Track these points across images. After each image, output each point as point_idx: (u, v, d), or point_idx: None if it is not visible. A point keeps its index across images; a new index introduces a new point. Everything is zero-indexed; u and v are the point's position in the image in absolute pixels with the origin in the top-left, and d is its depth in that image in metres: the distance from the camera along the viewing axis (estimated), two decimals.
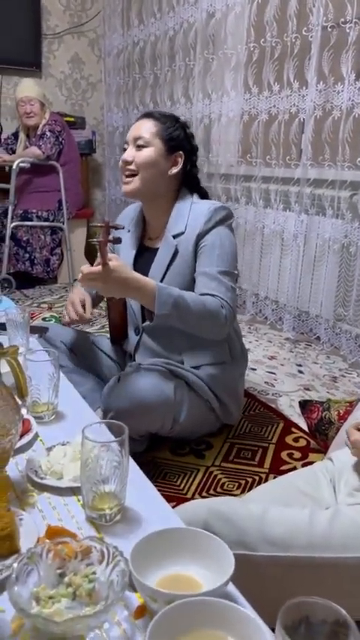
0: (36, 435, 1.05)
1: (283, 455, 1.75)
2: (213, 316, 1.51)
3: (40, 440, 1.05)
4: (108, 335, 1.90)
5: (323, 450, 1.71)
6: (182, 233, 1.63)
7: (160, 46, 3.66)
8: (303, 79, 2.63)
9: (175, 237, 1.64)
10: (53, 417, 1.13)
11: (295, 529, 0.93)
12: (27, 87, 3.69)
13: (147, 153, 1.60)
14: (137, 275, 1.42)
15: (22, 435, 0.99)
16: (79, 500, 0.86)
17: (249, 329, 3.07)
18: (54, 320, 2.83)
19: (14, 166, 3.52)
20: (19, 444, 0.97)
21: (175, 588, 0.64)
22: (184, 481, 1.59)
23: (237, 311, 1.68)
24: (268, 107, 2.84)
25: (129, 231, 1.76)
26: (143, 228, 1.78)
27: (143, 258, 1.72)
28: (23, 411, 1.03)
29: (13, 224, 3.60)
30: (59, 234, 3.82)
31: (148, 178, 1.61)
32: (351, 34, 2.35)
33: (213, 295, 1.53)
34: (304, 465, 1.64)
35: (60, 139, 3.70)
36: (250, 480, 1.61)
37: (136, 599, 0.67)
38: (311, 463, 1.35)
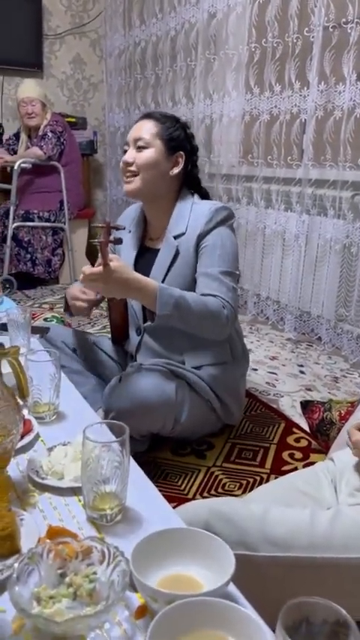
0: (37, 436, 1.05)
1: (285, 455, 1.75)
2: (214, 317, 1.51)
3: (41, 440, 1.05)
4: (109, 335, 1.90)
5: (324, 450, 1.70)
6: (183, 234, 1.63)
7: (161, 46, 3.66)
8: (304, 80, 2.63)
9: (176, 237, 1.64)
10: (54, 417, 1.14)
11: (296, 529, 0.93)
12: (28, 87, 3.69)
13: (148, 154, 1.60)
14: (138, 275, 1.42)
15: (23, 436, 1.00)
16: (80, 501, 0.86)
17: (250, 329, 3.07)
18: (55, 320, 2.83)
19: (16, 167, 3.52)
20: (20, 445, 0.97)
21: (175, 588, 0.65)
22: (185, 481, 1.59)
23: (238, 311, 1.68)
24: (269, 107, 2.84)
25: (130, 231, 1.76)
26: (144, 229, 1.78)
27: (144, 258, 1.72)
28: (24, 411, 1.03)
29: (15, 224, 3.61)
30: (60, 235, 3.82)
31: (149, 179, 1.61)
32: (352, 34, 2.35)
33: (214, 296, 1.53)
34: (305, 466, 1.64)
35: (61, 140, 3.70)
36: (251, 480, 1.61)
37: (136, 600, 0.67)
38: (312, 463, 1.35)
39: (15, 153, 3.82)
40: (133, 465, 0.91)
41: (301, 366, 2.57)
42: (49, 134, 3.64)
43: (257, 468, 1.67)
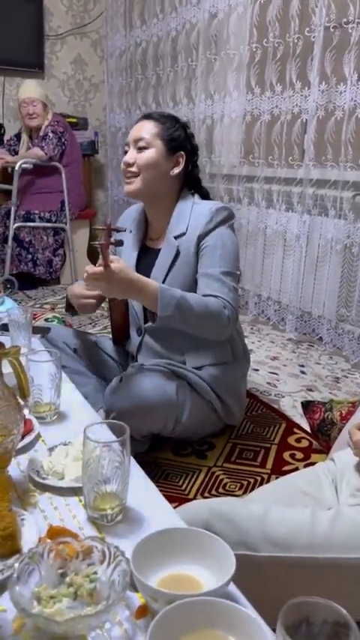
0: (38, 436, 1.05)
1: (286, 455, 1.75)
2: (215, 317, 1.51)
3: (42, 440, 1.05)
4: (110, 336, 1.90)
5: (325, 450, 1.70)
6: (184, 234, 1.63)
7: (162, 46, 3.66)
8: (305, 80, 2.63)
9: (176, 237, 1.64)
10: (55, 417, 1.14)
11: (296, 529, 0.93)
12: (29, 88, 3.70)
13: (148, 154, 1.60)
14: (139, 276, 1.42)
15: (24, 436, 1.00)
16: (80, 501, 0.86)
17: (251, 329, 3.07)
18: (56, 321, 2.83)
19: (17, 167, 3.53)
20: (21, 444, 0.97)
21: (176, 588, 0.65)
22: (186, 482, 1.59)
23: (239, 312, 1.68)
24: (270, 108, 2.84)
25: (130, 232, 1.76)
26: (145, 229, 1.78)
27: (145, 258, 1.72)
28: (25, 411, 1.03)
29: (16, 225, 3.61)
30: (62, 235, 3.83)
31: (149, 179, 1.61)
32: (353, 34, 2.35)
33: (215, 296, 1.53)
34: (306, 466, 1.64)
35: (62, 140, 3.70)
36: (252, 480, 1.61)
37: (137, 599, 0.67)
38: (313, 464, 1.35)
39: (16, 153, 3.82)
40: (134, 465, 0.91)
41: (302, 366, 2.57)
42: (50, 134, 3.65)
43: (258, 469, 1.67)
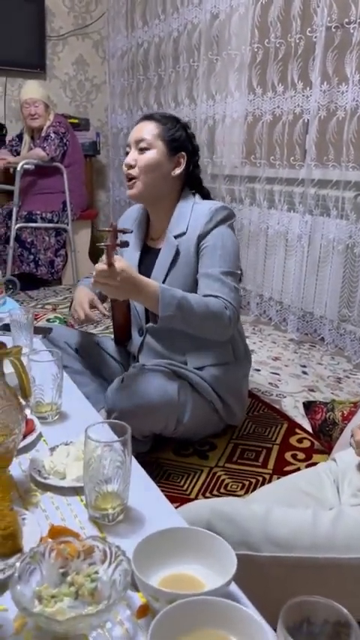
0: (39, 435, 1.05)
1: (287, 456, 1.75)
2: (217, 317, 1.51)
3: (44, 440, 1.05)
4: (112, 336, 1.90)
5: (327, 450, 1.70)
6: (184, 233, 1.63)
7: (164, 47, 3.67)
8: (307, 80, 2.63)
9: (176, 237, 1.64)
10: (57, 417, 1.14)
11: (298, 530, 0.93)
12: (31, 89, 3.70)
13: (150, 155, 1.60)
14: (141, 277, 1.42)
15: (25, 435, 1.00)
16: (82, 500, 0.86)
17: (253, 330, 3.07)
18: (58, 321, 2.84)
19: (18, 168, 3.53)
20: (22, 444, 0.97)
21: (177, 588, 0.64)
22: (188, 482, 1.59)
23: (241, 312, 1.68)
24: (272, 108, 2.84)
25: (131, 232, 1.76)
26: (146, 229, 1.78)
27: (146, 258, 1.72)
28: (27, 411, 1.03)
29: (18, 225, 3.61)
30: (63, 236, 3.83)
31: (151, 181, 1.61)
32: (355, 34, 2.35)
33: (216, 296, 1.53)
34: (308, 466, 1.63)
35: (64, 141, 3.71)
36: (253, 480, 1.61)
37: (138, 599, 0.67)
38: (315, 464, 1.35)
39: (18, 154, 3.83)
40: (136, 465, 0.91)
41: (304, 366, 2.57)
42: (52, 135, 3.65)
43: (260, 469, 1.67)
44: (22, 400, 0.90)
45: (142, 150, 1.61)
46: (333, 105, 2.51)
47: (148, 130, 1.62)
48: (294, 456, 1.74)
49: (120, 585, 0.64)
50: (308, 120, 2.65)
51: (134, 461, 0.88)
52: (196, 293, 1.56)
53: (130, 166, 1.61)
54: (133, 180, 1.62)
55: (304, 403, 1.88)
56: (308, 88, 2.62)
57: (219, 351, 1.69)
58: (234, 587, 0.68)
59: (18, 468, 0.95)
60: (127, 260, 1.54)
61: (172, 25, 3.53)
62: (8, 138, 3.99)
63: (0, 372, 0.85)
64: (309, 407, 1.82)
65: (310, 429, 1.85)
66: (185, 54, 3.43)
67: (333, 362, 2.63)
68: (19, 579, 0.64)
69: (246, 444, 1.80)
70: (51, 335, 1.77)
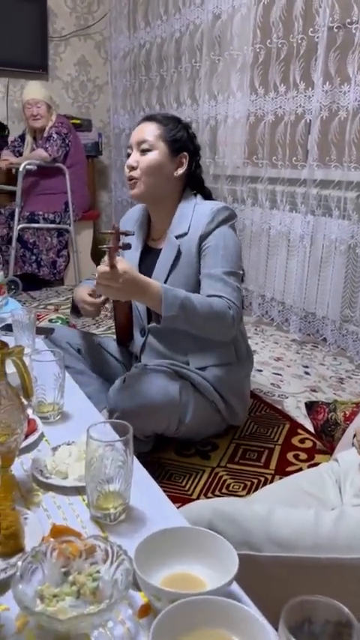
0: (41, 435, 1.06)
1: (289, 456, 1.74)
2: (220, 317, 1.51)
3: (46, 440, 1.05)
4: (114, 336, 1.90)
5: (329, 451, 1.70)
6: (185, 234, 1.64)
7: (166, 47, 3.67)
8: (309, 80, 2.63)
9: (177, 237, 1.64)
10: (59, 417, 1.14)
11: (300, 530, 0.92)
12: (33, 89, 3.71)
13: (152, 156, 1.60)
14: (143, 277, 1.42)
15: (27, 435, 1.00)
16: (83, 500, 0.86)
17: (255, 330, 3.07)
18: (60, 322, 2.84)
19: (21, 169, 3.54)
20: (24, 444, 0.97)
21: (179, 587, 0.65)
22: (190, 482, 1.59)
23: (243, 312, 1.67)
24: (274, 108, 2.84)
25: (133, 234, 1.76)
26: (147, 229, 1.78)
27: (147, 258, 1.72)
28: (29, 411, 1.03)
29: (20, 226, 3.62)
30: (65, 236, 3.83)
31: (153, 182, 1.62)
32: (357, 34, 2.35)
33: (220, 296, 1.53)
34: (310, 467, 1.63)
35: (66, 142, 3.71)
36: (255, 481, 1.61)
37: (140, 598, 0.67)
38: (317, 464, 1.35)
39: (20, 154, 3.83)
40: (137, 465, 0.91)
41: (306, 367, 2.57)
42: (54, 136, 3.65)
43: (262, 469, 1.67)
44: (24, 400, 0.90)
45: (144, 151, 1.61)
46: (335, 105, 2.51)
47: (150, 131, 1.62)
48: (296, 457, 1.74)
49: (122, 585, 0.64)
50: (310, 120, 2.65)
51: (136, 461, 0.88)
52: (197, 293, 1.55)
53: (132, 168, 1.62)
54: (135, 181, 1.62)
55: (306, 403, 1.88)
56: (310, 89, 2.62)
57: (221, 352, 1.69)
58: (235, 587, 0.68)
59: (20, 467, 0.95)
60: (127, 260, 1.54)
61: (174, 26, 3.54)
62: (10, 139, 3.99)
63: (2, 372, 0.85)
64: (311, 407, 1.82)
65: (312, 430, 1.84)
66: (187, 54, 3.43)
67: (335, 362, 2.63)
68: (21, 578, 0.64)
69: (248, 444, 1.80)
70: (53, 335, 1.77)
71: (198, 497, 1.52)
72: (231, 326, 1.54)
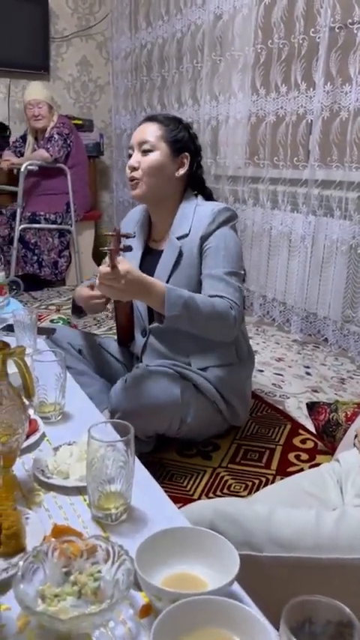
0: (43, 435, 1.06)
1: (291, 456, 1.74)
2: (222, 317, 1.51)
3: (47, 440, 1.05)
4: (115, 337, 1.90)
5: (330, 451, 1.70)
6: (186, 235, 1.64)
7: (167, 48, 3.67)
8: (310, 81, 2.63)
9: (179, 239, 1.65)
10: (60, 417, 1.14)
11: (301, 530, 0.92)
12: (35, 90, 3.71)
13: (153, 157, 1.60)
14: (146, 277, 1.42)
15: (29, 435, 1.00)
16: (85, 500, 0.86)
17: (256, 331, 3.07)
18: (62, 322, 2.84)
19: (22, 169, 3.54)
20: (26, 444, 0.97)
21: (180, 587, 0.65)
22: (191, 482, 1.59)
23: (245, 312, 1.67)
24: (275, 109, 2.84)
25: (134, 236, 1.76)
26: (148, 231, 1.78)
27: (148, 260, 1.72)
28: (30, 411, 1.03)
29: (22, 226, 3.62)
30: (67, 237, 3.84)
31: (155, 182, 1.62)
32: (358, 34, 2.35)
33: (221, 297, 1.53)
34: (311, 467, 1.63)
35: (68, 142, 3.72)
36: (256, 481, 1.61)
37: (141, 598, 0.68)
38: (318, 465, 1.35)
39: (22, 155, 3.84)
40: (139, 466, 0.91)
41: (308, 367, 2.57)
42: (56, 136, 3.66)
43: (263, 469, 1.67)
44: (25, 400, 0.90)
45: (145, 152, 1.61)
46: (336, 105, 2.51)
47: (151, 132, 1.62)
48: (297, 457, 1.74)
49: (123, 584, 0.64)
50: (312, 120, 2.65)
51: (137, 461, 0.89)
52: (199, 294, 1.55)
53: (134, 168, 1.62)
54: (136, 181, 1.62)
55: (307, 404, 1.88)
56: (312, 89, 2.62)
57: (222, 352, 1.69)
58: (236, 587, 0.68)
59: (21, 467, 0.95)
60: (128, 261, 1.54)
61: (175, 26, 3.54)
62: (12, 139, 4.00)
63: (4, 372, 0.85)
64: (312, 408, 1.82)
65: (313, 430, 1.84)
66: (189, 55, 3.44)
67: (337, 363, 2.63)
68: (23, 578, 0.64)
69: (249, 444, 1.80)
70: (54, 335, 1.77)
71: (199, 498, 1.52)
72: (233, 326, 1.54)
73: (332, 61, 2.50)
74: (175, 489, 1.54)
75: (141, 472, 0.93)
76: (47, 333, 1.75)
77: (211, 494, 1.54)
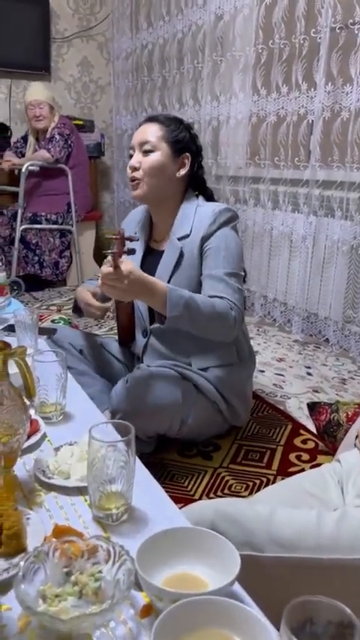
0: (44, 435, 1.06)
1: (291, 457, 1.74)
2: (222, 318, 1.51)
3: (48, 440, 1.05)
4: (116, 337, 1.90)
5: (331, 452, 1.70)
6: (187, 236, 1.64)
7: (168, 48, 3.67)
8: (311, 81, 2.63)
9: (180, 239, 1.65)
10: (61, 417, 1.14)
11: (302, 530, 0.92)
12: (36, 90, 3.72)
13: (154, 157, 1.60)
14: (148, 276, 1.42)
15: (30, 435, 1.00)
16: (86, 500, 0.86)
17: (257, 331, 3.07)
18: (63, 322, 2.84)
19: (23, 169, 3.55)
20: (27, 444, 0.97)
21: (180, 587, 0.65)
22: (192, 482, 1.59)
23: (245, 313, 1.67)
24: (276, 109, 2.84)
25: (138, 240, 1.76)
26: (149, 231, 1.78)
27: (148, 260, 1.72)
28: (31, 411, 1.03)
29: (23, 227, 3.62)
30: (68, 237, 3.84)
31: (156, 182, 1.62)
32: (359, 35, 2.35)
33: (221, 297, 1.53)
34: (312, 467, 1.63)
35: (69, 142, 3.72)
36: (257, 481, 1.61)
37: (141, 598, 0.68)
38: (319, 465, 1.35)
39: (23, 155, 3.84)
40: (140, 466, 0.91)
41: (309, 367, 2.57)
42: (57, 137, 3.66)
43: (264, 470, 1.67)
44: (26, 400, 0.91)
45: (146, 152, 1.61)
46: (337, 106, 2.51)
47: (152, 132, 1.62)
48: (298, 457, 1.74)
49: (124, 585, 0.64)
50: (312, 121, 2.65)
51: (138, 461, 0.89)
52: (199, 294, 1.55)
53: (135, 169, 1.62)
54: (137, 181, 1.62)
55: (308, 404, 1.88)
56: (312, 89, 2.62)
57: (223, 353, 1.69)
58: (237, 587, 0.68)
59: (22, 467, 0.95)
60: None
61: (176, 27, 3.54)
62: (13, 139, 4.00)
63: (5, 373, 0.85)
64: (313, 408, 1.82)
65: (314, 430, 1.84)
66: (189, 55, 3.44)
67: (337, 363, 2.63)
68: (24, 578, 0.64)
69: (250, 444, 1.80)
70: (55, 336, 1.77)
71: (200, 498, 1.52)
72: (232, 327, 1.54)
73: (333, 62, 2.50)
74: (176, 489, 1.54)
75: (142, 472, 0.93)
76: (48, 333, 1.75)
77: (211, 495, 1.54)
